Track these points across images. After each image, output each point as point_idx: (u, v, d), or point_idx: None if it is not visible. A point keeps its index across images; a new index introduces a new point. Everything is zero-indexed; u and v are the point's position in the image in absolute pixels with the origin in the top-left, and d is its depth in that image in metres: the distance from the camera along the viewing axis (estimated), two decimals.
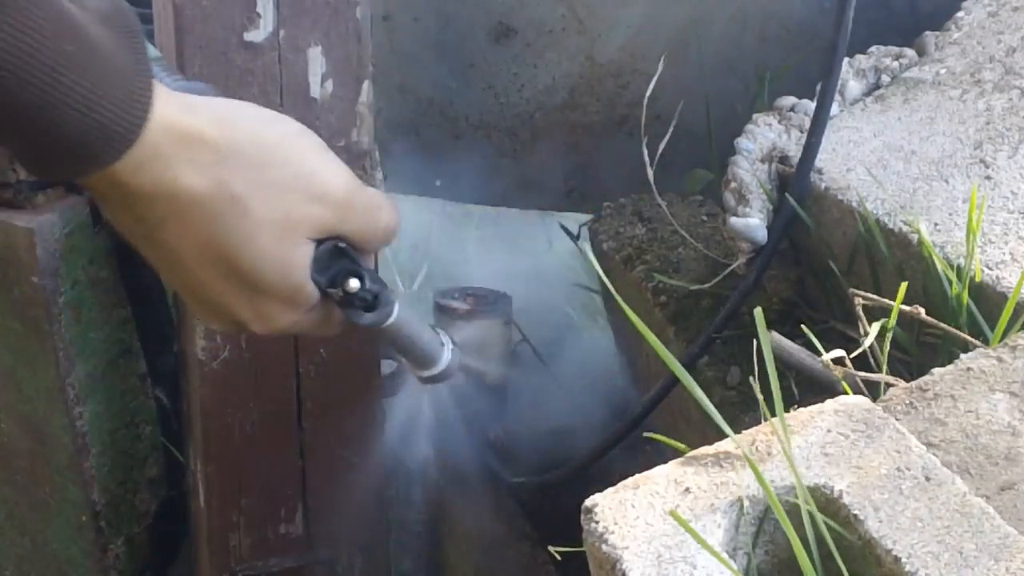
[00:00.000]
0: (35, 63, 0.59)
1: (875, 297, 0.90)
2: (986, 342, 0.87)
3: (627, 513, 0.64)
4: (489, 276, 1.66)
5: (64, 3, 0.62)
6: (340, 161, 0.77)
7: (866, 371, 0.85)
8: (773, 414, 0.68)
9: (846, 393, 0.76)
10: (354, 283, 0.79)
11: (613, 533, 0.63)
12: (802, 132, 1.17)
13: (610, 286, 0.81)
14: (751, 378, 0.75)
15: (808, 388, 0.95)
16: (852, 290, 0.91)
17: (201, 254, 0.72)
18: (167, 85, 0.78)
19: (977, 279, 0.92)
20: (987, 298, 0.91)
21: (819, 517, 0.62)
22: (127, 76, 0.64)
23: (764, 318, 0.73)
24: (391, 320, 0.83)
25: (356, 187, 0.77)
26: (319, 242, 0.77)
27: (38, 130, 0.61)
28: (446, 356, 0.90)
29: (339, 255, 0.78)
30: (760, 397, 0.73)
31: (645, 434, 0.84)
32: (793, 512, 0.63)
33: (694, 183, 1.52)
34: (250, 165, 0.71)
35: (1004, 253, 0.94)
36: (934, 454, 0.67)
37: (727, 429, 0.68)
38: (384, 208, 0.79)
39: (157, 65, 0.80)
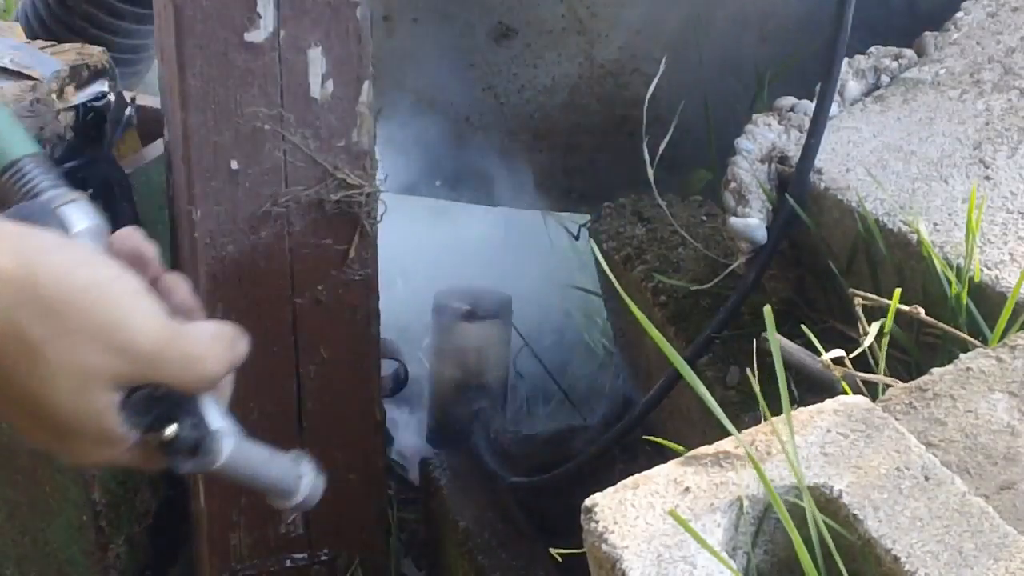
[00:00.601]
0: None
1: (874, 297, 0.90)
2: (985, 342, 0.87)
3: (627, 513, 0.64)
4: (489, 276, 1.66)
5: None
6: (156, 309, 0.71)
7: (865, 371, 0.86)
8: (776, 413, 0.68)
9: (845, 393, 0.76)
10: (170, 431, 0.74)
11: (613, 533, 0.63)
12: (802, 132, 1.17)
13: (617, 286, 0.80)
14: (749, 373, 0.75)
15: (808, 388, 0.95)
16: (851, 290, 0.91)
17: (1, 392, 0.69)
18: (41, 186, 0.74)
19: (976, 279, 0.92)
20: (986, 298, 0.91)
21: (820, 517, 0.62)
22: None
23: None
24: (218, 465, 0.77)
25: (169, 337, 0.71)
26: (134, 388, 0.72)
27: None
28: (303, 489, 0.84)
29: (156, 401, 0.73)
30: (761, 396, 0.73)
31: (645, 436, 0.85)
32: (793, 512, 0.63)
33: (694, 183, 1.52)
34: (49, 311, 0.67)
35: (1003, 253, 0.94)
36: (933, 454, 0.67)
37: (730, 426, 0.68)
38: (207, 358, 0.73)
39: (31, 161, 0.75)
